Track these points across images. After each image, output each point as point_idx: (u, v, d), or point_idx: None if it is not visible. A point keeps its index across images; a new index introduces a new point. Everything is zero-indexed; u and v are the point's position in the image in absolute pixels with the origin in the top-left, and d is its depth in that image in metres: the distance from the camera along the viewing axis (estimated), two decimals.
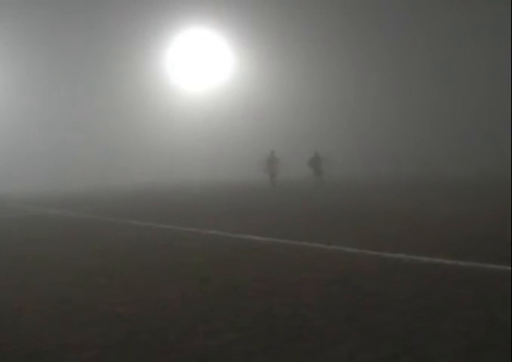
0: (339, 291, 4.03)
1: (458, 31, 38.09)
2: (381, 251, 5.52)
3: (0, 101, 53.29)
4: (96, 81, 55.72)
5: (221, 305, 3.83)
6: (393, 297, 3.76)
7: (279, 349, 2.88)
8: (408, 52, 41.50)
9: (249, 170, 44.86)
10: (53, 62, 54.23)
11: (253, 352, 2.86)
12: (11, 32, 51.38)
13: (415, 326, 3.13)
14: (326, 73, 46.28)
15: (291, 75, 49.37)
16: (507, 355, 2.60)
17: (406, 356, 2.68)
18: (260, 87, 51.92)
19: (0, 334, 3.43)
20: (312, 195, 15.55)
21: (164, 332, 3.28)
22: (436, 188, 16.24)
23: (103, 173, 51.92)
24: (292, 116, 49.24)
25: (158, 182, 39.15)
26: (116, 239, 7.80)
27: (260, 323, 3.35)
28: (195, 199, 16.66)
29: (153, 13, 54.27)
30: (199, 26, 56.27)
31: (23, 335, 3.38)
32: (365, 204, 11.41)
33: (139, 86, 56.82)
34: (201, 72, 58.08)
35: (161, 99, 57.59)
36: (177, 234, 8.03)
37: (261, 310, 3.63)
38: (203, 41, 57.27)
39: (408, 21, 40.38)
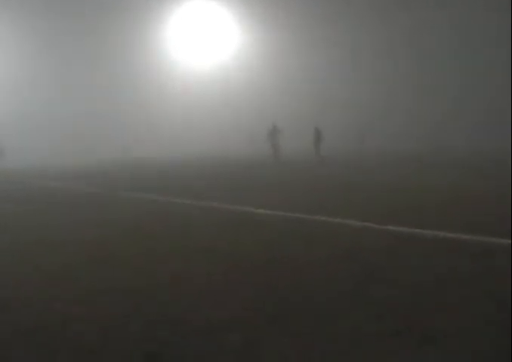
0: (343, 264, 4.04)
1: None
2: (385, 225, 5.52)
3: (4, 77, 52.86)
4: (96, 56, 55.09)
5: (225, 277, 3.84)
6: (397, 271, 3.77)
7: (283, 322, 2.89)
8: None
9: (252, 145, 44.78)
10: (52, 39, 53.49)
11: (258, 324, 2.87)
12: (9, 13, 50.63)
13: (419, 300, 3.13)
14: (331, 52, 45.55)
15: (297, 52, 48.58)
16: (509, 330, 2.60)
17: (410, 330, 2.69)
18: (264, 63, 51.26)
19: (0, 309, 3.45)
20: (313, 170, 15.52)
21: (169, 304, 3.30)
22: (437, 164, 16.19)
23: (104, 148, 51.87)
24: (295, 95, 48.69)
25: (160, 157, 39.12)
26: (119, 212, 7.82)
27: (264, 296, 3.36)
28: (198, 173, 16.65)
29: None
30: None
31: (23, 308, 3.40)
32: (367, 179, 11.39)
33: (140, 61, 56.21)
34: (204, 46, 57.22)
35: (162, 74, 57.03)
36: (181, 207, 8.04)
37: (265, 283, 3.64)
38: (207, 13, 56.26)
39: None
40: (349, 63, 44.76)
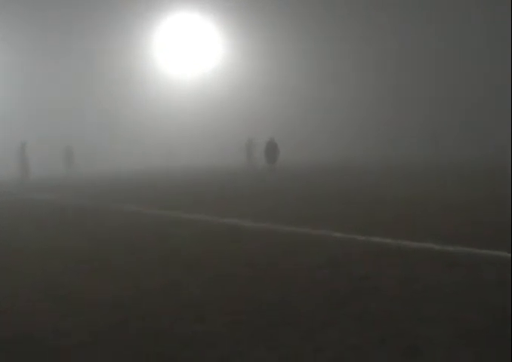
0: (327, 276, 4.07)
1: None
2: (370, 236, 5.57)
3: None
4: (80, 67, 54.83)
5: (211, 290, 3.85)
6: (382, 282, 3.80)
7: (267, 334, 2.90)
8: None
9: (239, 155, 44.84)
10: (37, 48, 53.10)
11: (242, 337, 2.88)
12: None
13: (403, 311, 3.17)
14: (318, 61, 45.89)
15: (283, 62, 48.84)
16: (495, 339, 2.65)
17: (394, 340, 2.72)
18: (250, 74, 51.50)
19: None
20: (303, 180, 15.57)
21: (154, 318, 3.29)
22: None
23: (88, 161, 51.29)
24: (282, 104, 48.88)
25: (145, 169, 38.96)
26: (107, 225, 7.78)
27: (249, 308, 3.37)
28: (183, 184, 16.61)
29: None
30: (188, 9, 55.57)
31: (12, 321, 3.38)
32: (357, 189, 11.45)
33: (125, 71, 56.09)
34: (190, 57, 57.42)
35: (148, 85, 56.96)
36: (167, 219, 8.02)
37: (250, 295, 3.66)
38: (192, 25, 56.55)
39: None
40: (336, 74, 45.13)
